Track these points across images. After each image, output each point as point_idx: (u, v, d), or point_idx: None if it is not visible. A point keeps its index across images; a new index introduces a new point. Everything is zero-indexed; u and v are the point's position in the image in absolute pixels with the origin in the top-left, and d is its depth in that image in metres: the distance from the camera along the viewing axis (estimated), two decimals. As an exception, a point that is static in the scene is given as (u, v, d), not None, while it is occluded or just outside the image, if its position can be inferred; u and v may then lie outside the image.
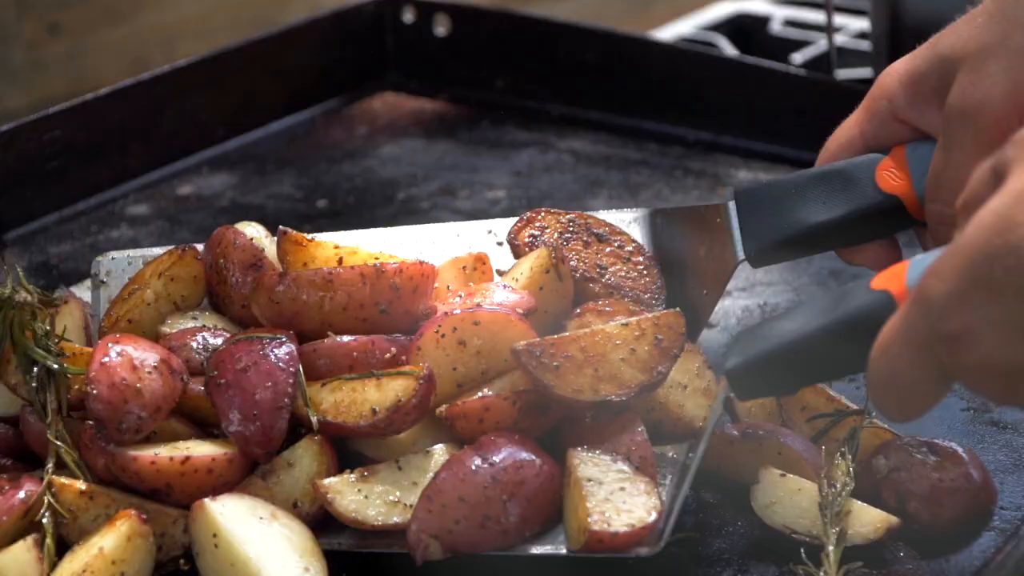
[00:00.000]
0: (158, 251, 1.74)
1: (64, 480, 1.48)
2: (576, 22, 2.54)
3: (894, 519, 1.49)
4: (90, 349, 1.55)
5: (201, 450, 1.51)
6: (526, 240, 1.69)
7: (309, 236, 1.66)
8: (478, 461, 1.46)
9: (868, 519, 1.49)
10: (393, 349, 1.56)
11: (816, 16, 2.76)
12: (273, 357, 1.53)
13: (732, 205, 1.64)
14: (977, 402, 1.71)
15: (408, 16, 2.57)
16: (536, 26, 2.52)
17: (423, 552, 1.44)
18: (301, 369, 1.54)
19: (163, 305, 1.67)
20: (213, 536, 1.43)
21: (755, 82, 2.34)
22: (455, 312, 1.56)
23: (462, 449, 1.48)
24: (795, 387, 1.40)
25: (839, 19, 2.62)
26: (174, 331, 1.63)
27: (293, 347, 1.54)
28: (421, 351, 1.54)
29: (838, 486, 1.49)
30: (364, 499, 1.48)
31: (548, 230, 1.69)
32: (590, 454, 1.50)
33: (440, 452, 1.51)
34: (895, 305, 1.26)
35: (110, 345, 1.51)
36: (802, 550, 1.46)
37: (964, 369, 1.18)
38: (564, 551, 1.46)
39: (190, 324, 1.65)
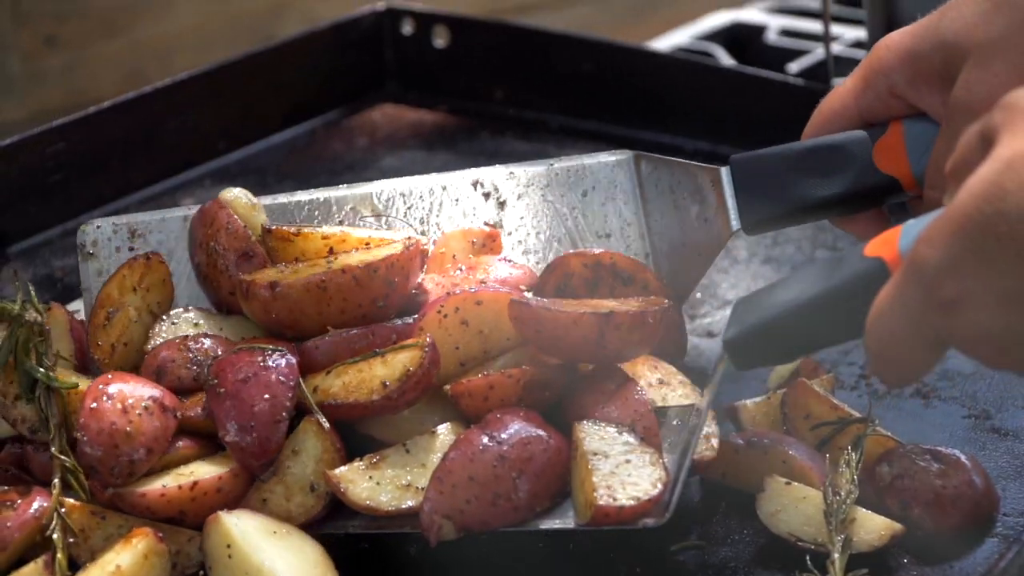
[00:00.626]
0: (142, 217, 1.73)
1: (73, 501, 1.49)
2: (574, 33, 2.55)
3: (898, 526, 1.50)
4: (83, 386, 1.54)
5: (206, 471, 1.51)
6: (554, 293, 1.68)
7: (294, 229, 1.65)
8: (485, 440, 1.47)
9: (873, 526, 1.50)
10: (394, 336, 1.57)
11: (811, 26, 2.77)
12: (273, 369, 1.53)
13: (725, 172, 1.65)
14: (978, 409, 1.72)
15: (407, 28, 2.59)
16: (534, 37, 2.53)
17: (436, 533, 1.46)
18: (302, 382, 1.54)
19: (145, 317, 1.65)
20: (227, 547, 1.44)
21: (752, 92, 2.35)
22: (457, 292, 1.56)
23: (469, 428, 1.50)
24: (793, 356, 1.41)
25: (835, 28, 2.63)
26: (159, 344, 1.62)
27: (294, 360, 1.54)
28: (424, 331, 1.55)
29: (842, 494, 1.50)
30: (376, 485, 1.49)
31: (574, 278, 1.68)
32: (595, 426, 1.51)
33: (446, 432, 1.53)
34: (888, 272, 1.27)
35: (100, 387, 1.50)
36: (807, 558, 1.47)
37: (958, 335, 1.19)
38: (572, 525, 1.48)
39: (172, 333, 1.64)
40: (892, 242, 1.29)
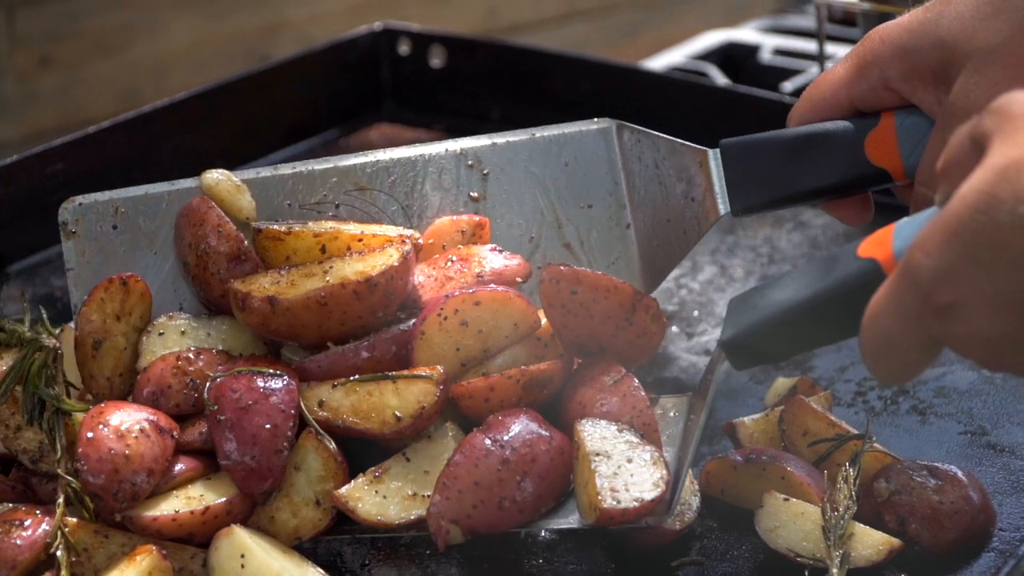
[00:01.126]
0: (125, 193, 1.69)
1: (76, 520, 1.49)
2: (570, 52, 2.56)
3: (896, 541, 1.51)
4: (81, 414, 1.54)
5: (215, 495, 1.51)
6: None
7: (285, 228, 1.63)
8: (488, 444, 1.49)
9: (871, 542, 1.51)
10: (393, 348, 1.57)
11: (805, 45, 2.78)
12: (273, 395, 1.52)
13: (715, 155, 1.65)
14: (975, 426, 1.74)
15: (404, 48, 2.60)
16: (531, 57, 2.54)
17: (444, 537, 1.47)
18: (304, 393, 1.54)
19: (132, 337, 1.62)
20: (241, 557, 1.45)
21: (747, 110, 2.36)
22: (455, 294, 1.57)
23: (471, 432, 1.51)
24: (789, 354, 1.42)
25: (829, 48, 2.64)
26: (152, 365, 1.59)
27: (294, 385, 1.54)
28: (425, 335, 1.56)
29: (841, 509, 1.51)
30: (383, 500, 1.50)
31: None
32: (596, 426, 1.53)
33: (444, 435, 1.54)
34: (882, 273, 1.28)
35: (94, 416, 1.50)
36: (806, 573, 1.49)
37: (954, 339, 1.20)
38: (576, 525, 1.49)
39: (161, 346, 1.61)
40: (885, 243, 1.30)
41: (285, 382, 1.54)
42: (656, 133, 1.71)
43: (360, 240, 1.62)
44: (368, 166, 1.72)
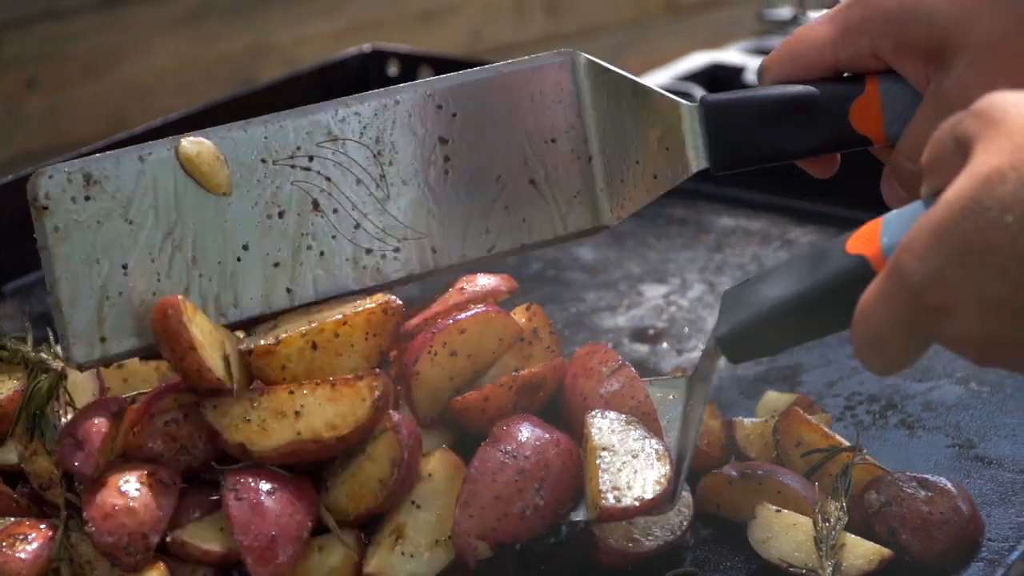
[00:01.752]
0: (96, 161, 1.60)
1: (79, 534, 1.49)
2: (557, 74, 2.58)
3: (887, 551, 1.53)
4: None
5: None
6: None
7: (273, 339, 1.55)
8: (501, 456, 1.51)
9: (862, 552, 1.52)
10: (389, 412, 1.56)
11: (788, 66, 2.80)
12: (294, 486, 1.51)
13: (691, 110, 1.64)
14: (962, 439, 1.76)
15: (392, 69, 2.62)
16: (518, 78, 2.56)
17: (473, 555, 1.49)
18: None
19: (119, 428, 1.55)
20: None
21: (733, 131, 2.38)
22: (440, 329, 1.58)
23: (481, 447, 1.52)
24: (783, 348, 1.44)
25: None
26: (142, 434, 1.55)
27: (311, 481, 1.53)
28: (420, 375, 1.58)
29: (832, 520, 1.53)
30: (411, 558, 1.52)
31: None
32: (604, 419, 1.55)
33: (438, 466, 1.55)
34: (871, 269, 1.30)
35: (95, 480, 1.50)
36: (799, 583, 1.50)
37: (943, 337, 1.23)
38: (583, 518, 1.52)
39: (132, 389, 1.60)
40: (874, 239, 1.31)
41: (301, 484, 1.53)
42: (630, 76, 1.69)
43: (345, 324, 1.56)
44: (339, 115, 1.67)
